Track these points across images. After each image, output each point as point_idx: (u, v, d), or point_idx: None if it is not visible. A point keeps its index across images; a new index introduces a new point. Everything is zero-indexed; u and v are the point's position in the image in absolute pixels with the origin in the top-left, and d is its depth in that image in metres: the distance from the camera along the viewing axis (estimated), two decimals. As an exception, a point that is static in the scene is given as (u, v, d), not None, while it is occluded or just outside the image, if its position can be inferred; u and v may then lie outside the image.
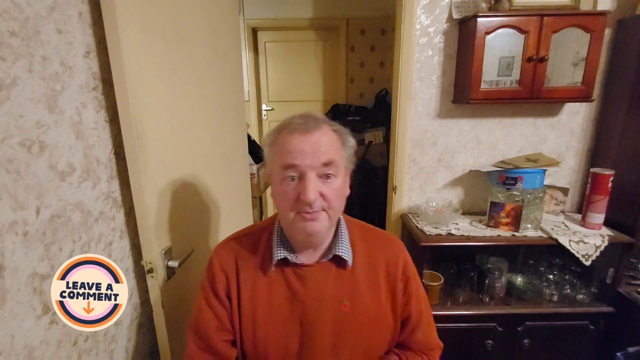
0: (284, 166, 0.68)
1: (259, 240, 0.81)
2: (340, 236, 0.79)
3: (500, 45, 1.44)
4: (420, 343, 0.84)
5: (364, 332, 0.77)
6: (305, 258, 0.78)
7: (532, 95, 1.46)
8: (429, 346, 0.85)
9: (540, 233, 1.49)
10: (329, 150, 0.68)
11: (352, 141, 0.76)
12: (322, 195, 0.69)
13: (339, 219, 0.80)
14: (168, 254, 1.00)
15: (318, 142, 0.68)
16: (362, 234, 0.83)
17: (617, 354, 1.33)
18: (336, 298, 0.76)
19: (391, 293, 0.80)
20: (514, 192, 1.50)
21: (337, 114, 3.31)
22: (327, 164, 0.68)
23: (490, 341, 1.51)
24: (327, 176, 0.69)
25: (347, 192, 0.76)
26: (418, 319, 0.82)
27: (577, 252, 1.40)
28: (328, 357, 0.76)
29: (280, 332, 0.76)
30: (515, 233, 1.49)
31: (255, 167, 2.30)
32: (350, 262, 0.77)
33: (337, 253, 0.76)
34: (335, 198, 0.70)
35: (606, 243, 1.40)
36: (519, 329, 1.51)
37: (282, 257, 0.76)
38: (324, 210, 0.70)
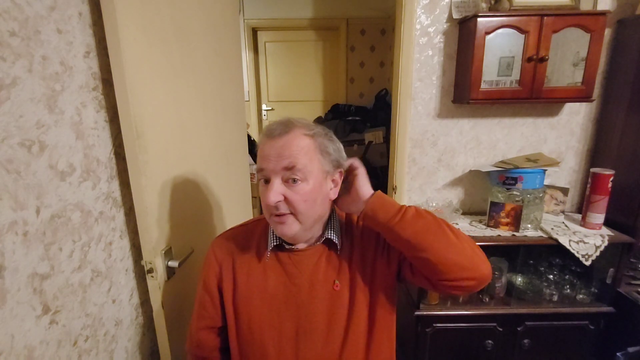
0: (257, 170, 0.74)
1: (254, 230, 0.86)
2: (333, 221, 0.82)
3: (500, 45, 1.44)
4: None
5: (357, 310, 0.80)
6: (299, 244, 0.82)
7: (532, 95, 1.46)
8: None
9: (540, 233, 1.49)
10: (294, 155, 0.69)
11: (334, 146, 0.76)
12: (286, 199, 0.70)
13: (332, 209, 0.83)
14: (168, 254, 1.00)
15: (282, 147, 0.70)
16: (352, 218, 0.87)
17: (617, 354, 1.33)
18: (328, 279, 0.80)
19: (388, 258, 0.81)
20: (514, 192, 1.50)
21: (337, 114, 3.31)
22: (289, 168, 0.69)
23: (490, 341, 1.51)
24: (294, 180, 0.70)
25: (332, 195, 0.78)
26: None
27: (577, 252, 1.40)
28: (322, 338, 0.79)
29: (276, 315, 0.79)
30: (515, 233, 1.49)
31: (255, 167, 2.30)
32: (339, 245, 0.81)
33: (328, 237, 0.80)
34: (300, 202, 0.71)
35: (606, 243, 1.40)
36: (519, 329, 1.51)
37: (277, 243, 0.80)
38: (292, 213, 0.72)
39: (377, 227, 0.76)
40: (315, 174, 0.72)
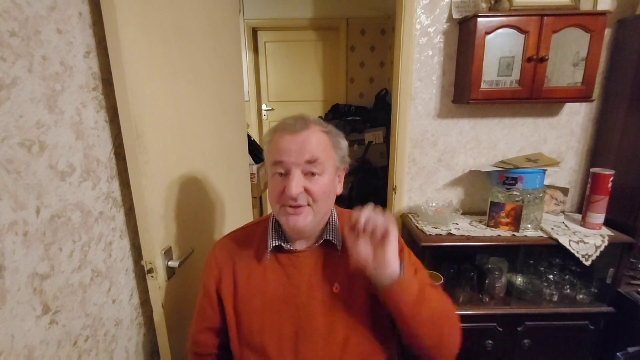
0: (273, 163, 0.74)
1: (254, 233, 0.87)
2: (331, 223, 0.83)
3: (500, 45, 1.44)
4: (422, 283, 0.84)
5: (357, 312, 0.80)
6: (298, 245, 0.83)
7: (532, 95, 1.46)
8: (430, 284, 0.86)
9: (540, 233, 1.49)
10: (315, 149, 0.73)
11: (344, 143, 0.80)
12: (306, 190, 0.73)
13: (331, 209, 0.85)
14: (168, 254, 1.00)
15: (304, 141, 0.72)
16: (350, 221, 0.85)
17: (617, 354, 1.33)
18: (327, 281, 0.80)
19: None
20: (514, 192, 1.50)
21: (337, 114, 3.31)
22: (311, 162, 0.72)
23: (490, 341, 1.51)
24: (312, 173, 0.73)
25: (338, 191, 0.82)
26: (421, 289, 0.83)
27: (577, 252, 1.40)
28: (322, 339, 0.79)
29: (276, 317, 0.80)
30: (515, 233, 1.49)
31: (255, 167, 2.30)
32: (339, 246, 0.82)
33: (327, 238, 0.81)
34: (320, 194, 0.74)
35: (606, 243, 1.40)
36: (519, 329, 1.51)
37: (276, 244, 0.80)
38: (308, 205, 0.74)
39: (391, 304, 0.71)
40: (330, 169, 0.76)
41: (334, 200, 0.81)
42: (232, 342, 0.83)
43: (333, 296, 0.80)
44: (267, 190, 0.82)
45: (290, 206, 0.73)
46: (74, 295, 0.80)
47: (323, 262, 0.82)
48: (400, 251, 0.84)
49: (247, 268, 0.83)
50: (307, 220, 0.75)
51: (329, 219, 0.84)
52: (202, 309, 0.86)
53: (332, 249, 0.83)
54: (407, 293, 0.70)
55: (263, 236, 0.84)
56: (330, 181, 0.76)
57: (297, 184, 0.71)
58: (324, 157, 0.74)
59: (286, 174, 0.73)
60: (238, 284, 0.82)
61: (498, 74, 1.48)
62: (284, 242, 0.81)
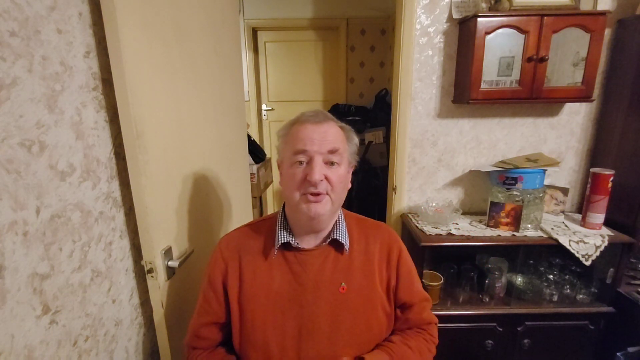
0: (295, 151, 0.76)
1: (261, 229, 0.87)
2: (339, 223, 0.84)
3: (500, 45, 1.44)
4: (417, 320, 0.89)
5: (360, 314, 0.81)
6: (306, 243, 0.83)
7: (532, 95, 1.46)
8: (425, 322, 0.90)
9: (540, 233, 1.49)
10: (335, 140, 0.77)
11: (355, 139, 0.84)
12: (326, 178, 0.76)
13: (340, 208, 0.86)
14: (168, 254, 1.00)
15: (325, 132, 0.76)
16: (357, 224, 0.89)
17: (617, 354, 1.33)
18: (334, 281, 0.81)
19: (386, 278, 0.85)
20: (514, 192, 1.50)
21: (337, 114, 3.29)
22: (332, 152, 0.76)
23: (490, 341, 1.51)
24: (332, 163, 0.77)
25: (349, 185, 0.83)
26: (412, 301, 0.88)
27: (577, 252, 1.40)
28: (325, 339, 0.79)
29: (279, 313, 0.80)
30: (515, 233, 1.49)
31: (255, 167, 2.30)
32: (347, 246, 0.83)
33: (335, 237, 0.82)
34: (338, 183, 0.77)
35: (606, 243, 1.40)
36: (519, 329, 1.51)
37: (285, 241, 0.81)
38: (327, 194, 0.77)
39: None
40: (345, 160, 0.80)
41: (346, 194, 0.83)
42: (234, 339, 0.83)
43: (339, 296, 0.80)
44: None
45: (312, 194, 0.75)
46: (74, 295, 0.80)
47: (330, 262, 0.82)
48: (399, 257, 0.86)
49: (253, 264, 0.83)
50: (326, 208, 0.77)
51: (337, 219, 0.85)
52: (206, 303, 0.85)
53: (339, 249, 0.83)
54: None
55: (270, 233, 0.85)
56: (346, 172, 0.80)
57: (319, 170, 0.74)
58: (342, 149, 0.78)
59: (309, 162, 0.75)
60: (243, 280, 0.82)
61: (498, 74, 1.48)
62: (292, 239, 0.81)
